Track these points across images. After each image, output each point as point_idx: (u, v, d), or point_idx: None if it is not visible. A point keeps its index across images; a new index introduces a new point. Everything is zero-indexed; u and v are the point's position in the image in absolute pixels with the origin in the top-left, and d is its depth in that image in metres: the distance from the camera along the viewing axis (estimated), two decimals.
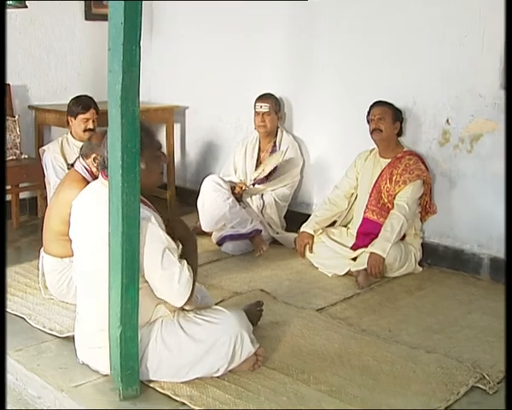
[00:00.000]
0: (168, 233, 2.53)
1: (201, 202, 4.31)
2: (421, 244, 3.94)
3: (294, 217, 4.51)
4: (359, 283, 3.61)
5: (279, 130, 4.56)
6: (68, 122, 4.37)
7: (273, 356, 2.78)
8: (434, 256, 3.98)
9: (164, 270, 2.37)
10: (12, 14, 4.54)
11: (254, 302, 3.13)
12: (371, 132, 3.85)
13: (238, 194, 4.31)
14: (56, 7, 4.90)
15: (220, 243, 4.22)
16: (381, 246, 3.60)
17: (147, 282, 2.43)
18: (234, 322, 2.53)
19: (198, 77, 5.27)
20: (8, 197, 4.58)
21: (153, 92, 5.59)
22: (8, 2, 3.73)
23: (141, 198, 2.47)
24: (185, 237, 2.62)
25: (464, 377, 2.62)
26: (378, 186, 3.84)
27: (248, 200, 4.41)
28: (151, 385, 2.51)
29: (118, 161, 2.26)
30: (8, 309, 3.19)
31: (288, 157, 4.47)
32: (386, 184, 3.80)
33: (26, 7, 3.67)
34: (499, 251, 3.69)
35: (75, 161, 3.40)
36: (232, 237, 4.17)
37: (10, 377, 2.69)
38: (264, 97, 4.49)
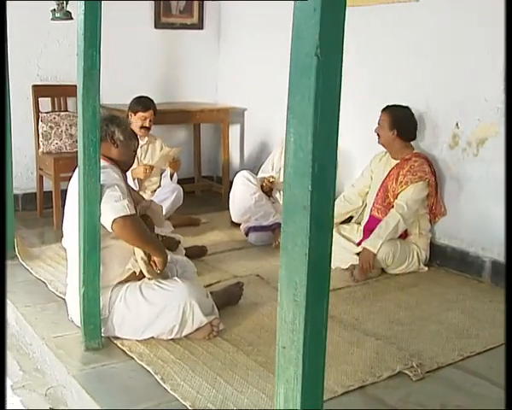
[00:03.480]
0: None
1: (232, 195, 4.69)
2: (431, 245, 4.03)
3: None
4: (354, 276, 3.79)
5: None
6: (128, 117, 4.90)
7: (233, 329, 3.08)
8: (443, 257, 4.04)
9: (109, 191, 2.78)
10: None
11: (235, 283, 3.46)
12: None
13: (265, 188, 4.63)
14: (128, 16, 5.49)
15: (246, 233, 4.57)
16: (373, 242, 3.76)
17: (115, 239, 2.85)
18: (184, 291, 2.89)
19: (256, 80, 5.64)
20: None
21: (219, 94, 6.05)
22: (56, 15, 4.34)
23: (119, 171, 3.01)
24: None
25: (394, 363, 2.77)
26: (385, 186, 3.99)
27: (277, 195, 4.72)
28: (115, 341, 2.92)
29: (81, 149, 2.71)
30: (36, 275, 3.78)
31: None
32: (392, 184, 3.94)
33: (72, 19, 4.25)
34: (500, 254, 3.71)
35: None
36: (255, 229, 4.50)
37: (16, 326, 3.25)
38: None
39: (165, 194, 4.74)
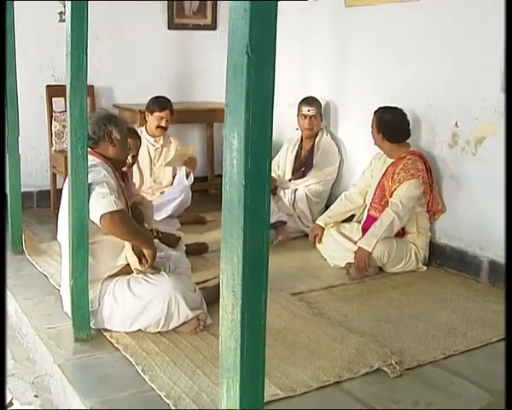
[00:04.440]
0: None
1: None
2: (430, 244, 4.02)
3: None
4: (350, 274, 3.81)
5: (320, 131, 4.83)
6: (145, 117, 5.00)
7: None
8: (442, 257, 4.03)
9: (97, 188, 2.83)
10: (103, 25, 5.35)
11: None
12: None
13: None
14: (142, 18, 5.59)
15: None
16: (368, 241, 3.77)
17: (106, 234, 2.92)
18: (169, 285, 2.96)
19: None
20: None
21: None
22: (62, 18, 4.48)
23: (110, 168, 3.06)
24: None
25: (374, 360, 2.78)
26: (382, 185, 3.99)
27: (281, 194, 4.76)
28: (104, 333, 3.01)
29: (69, 147, 2.80)
30: (40, 269, 3.90)
31: (324, 156, 4.75)
32: (388, 182, 3.94)
33: None
34: (497, 254, 3.69)
35: None
36: None
37: (14, 317, 3.37)
38: (310, 101, 4.75)
39: (174, 194, 4.81)
